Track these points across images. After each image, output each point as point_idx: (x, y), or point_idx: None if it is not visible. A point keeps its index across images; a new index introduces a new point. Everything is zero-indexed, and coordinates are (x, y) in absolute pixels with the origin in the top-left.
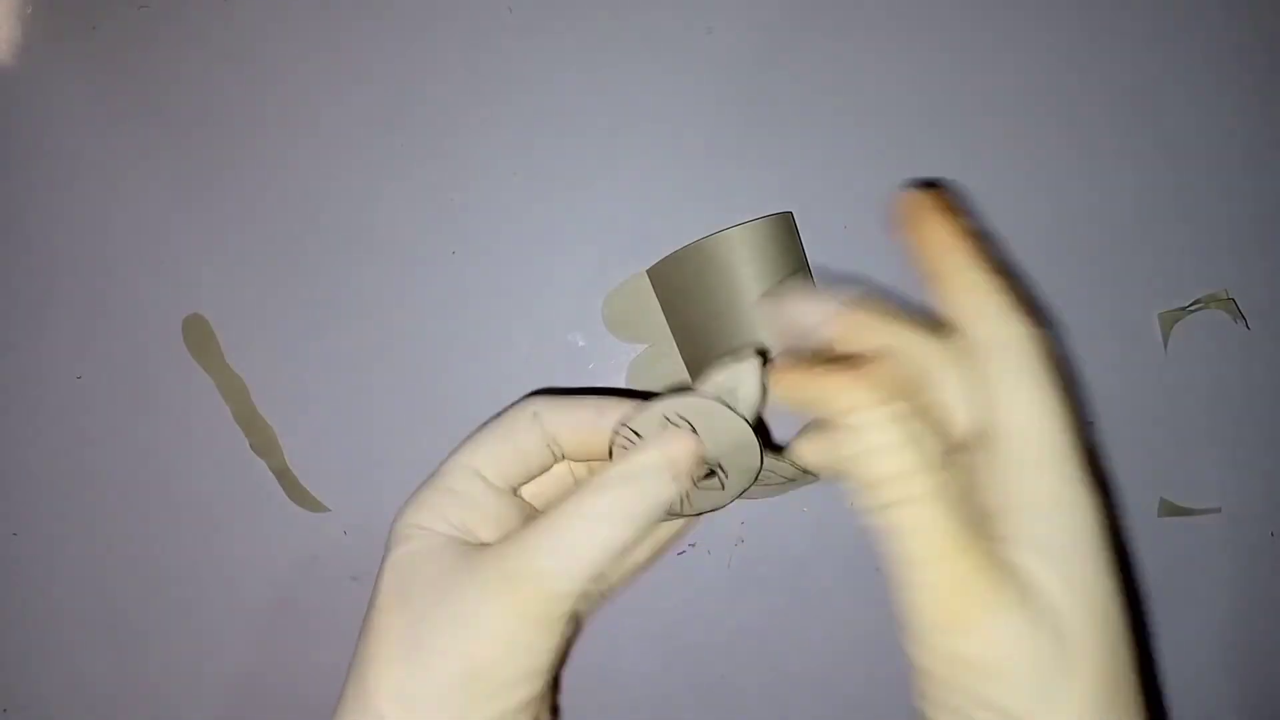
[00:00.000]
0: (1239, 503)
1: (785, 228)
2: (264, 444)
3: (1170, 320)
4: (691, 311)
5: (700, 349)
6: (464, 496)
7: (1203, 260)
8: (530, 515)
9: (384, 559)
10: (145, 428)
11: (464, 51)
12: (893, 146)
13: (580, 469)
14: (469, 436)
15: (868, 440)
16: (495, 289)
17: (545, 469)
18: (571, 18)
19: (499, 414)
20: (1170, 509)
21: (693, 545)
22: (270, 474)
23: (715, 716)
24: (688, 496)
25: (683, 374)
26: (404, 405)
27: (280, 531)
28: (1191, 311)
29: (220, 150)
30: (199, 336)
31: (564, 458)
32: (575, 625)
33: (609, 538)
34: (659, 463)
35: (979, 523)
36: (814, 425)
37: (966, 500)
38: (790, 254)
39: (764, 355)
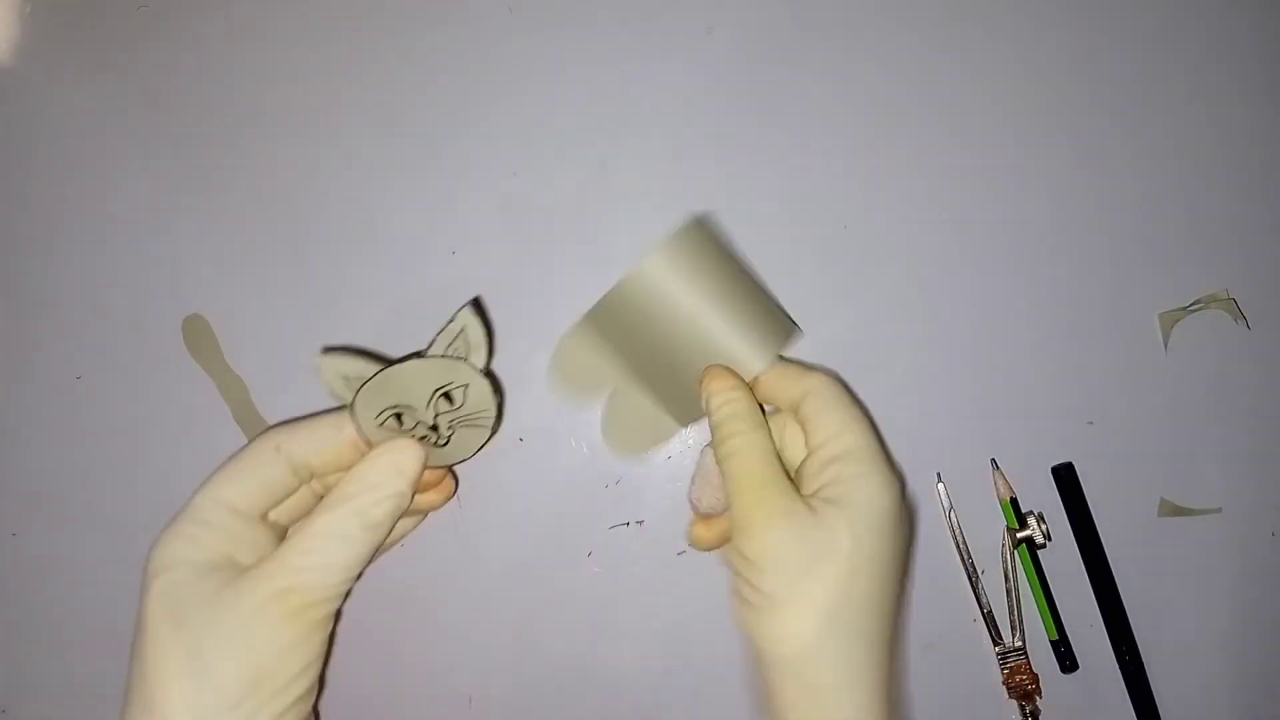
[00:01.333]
0: (1239, 503)
1: (704, 234)
2: None
3: (1170, 320)
4: (646, 345)
5: (668, 378)
6: (217, 527)
7: (1203, 260)
8: (281, 534)
9: (144, 592)
10: (145, 428)
11: (464, 51)
12: (892, 146)
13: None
14: (215, 470)
15: (726, 397)
16: (495, 289)
17: (291, 493)
18: (571, 18)
19: (241, 448)
20: (1170, 509)
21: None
22: None
23: (714, 716)
24: (440, 453)
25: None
26: None
27: None
28: (1191, 311)
29: (220, 150)
30: (199, 336)
31: (312, 478)
32: (336, 618)
33: (356, 549)
34: (385, 474)
35: (787, 477)
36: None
37: (779, 459)
38: (721, 255)
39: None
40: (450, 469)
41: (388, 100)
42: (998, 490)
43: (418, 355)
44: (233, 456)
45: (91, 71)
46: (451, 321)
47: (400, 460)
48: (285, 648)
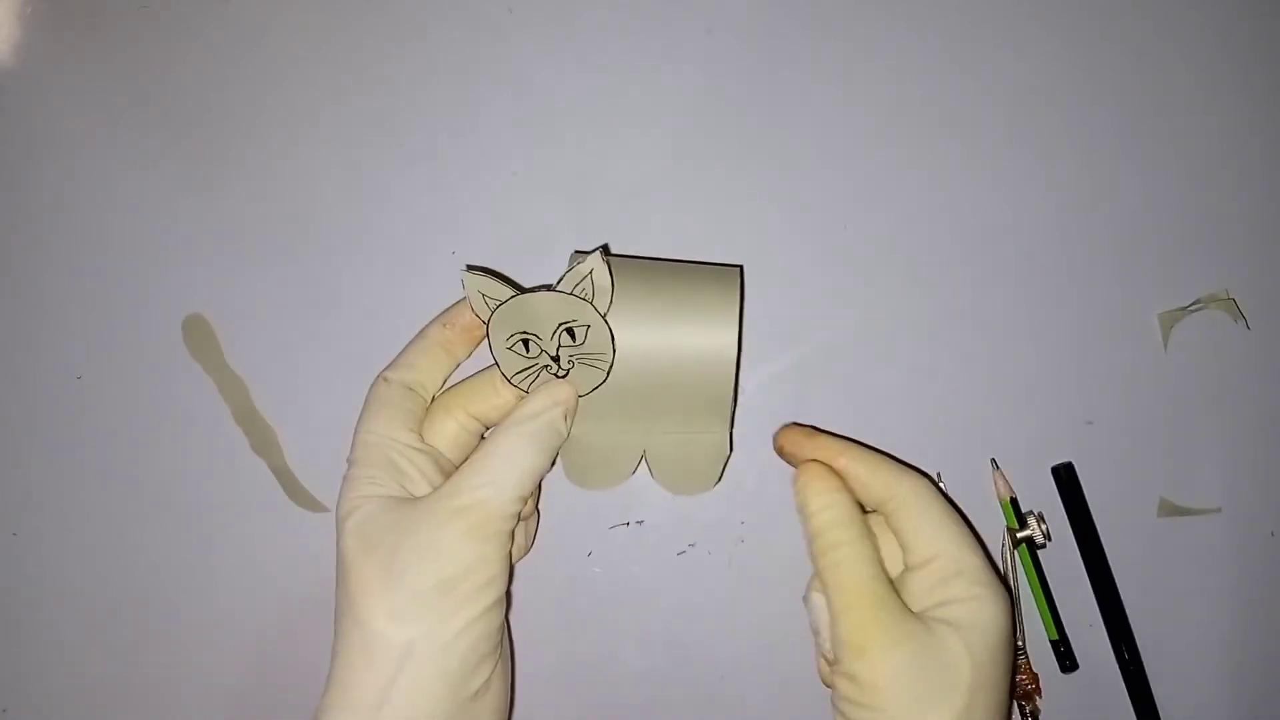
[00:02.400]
0: (1239, 503)
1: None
2: (264, 444)
3: (1170, 320)
4: (634, 399)
5: (666, 408)
6: (390, 465)
7: (1203, 260)
8: (445, 462)
9: (340, 534)
10: (145, 428)
11: (464, 51)
12: (892, 146)
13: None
14: (367, 410)
15: (825, 501)
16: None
17: (471, 446)
18: (571, 18)
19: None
20: (1170, 509)
21: (693, 545)
22: (270, 474)
23: (715, 716)
24: (535, 383)
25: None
26: None
27: (280, 531)
28: (1191, 311)
29: (220, 150)
30: (199, 336)
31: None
32: (513, 539)
33: (527, 464)
34: (544, 403)
35: (896, 593)
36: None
37: (887, 576)
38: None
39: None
40: None
41: (388, 100)
42: (998, 490)
43: (548, 288)
44: (373, 404)
45: (92, 71)
46: (580, 264)
47: (554, 392)
48: (469, 561)
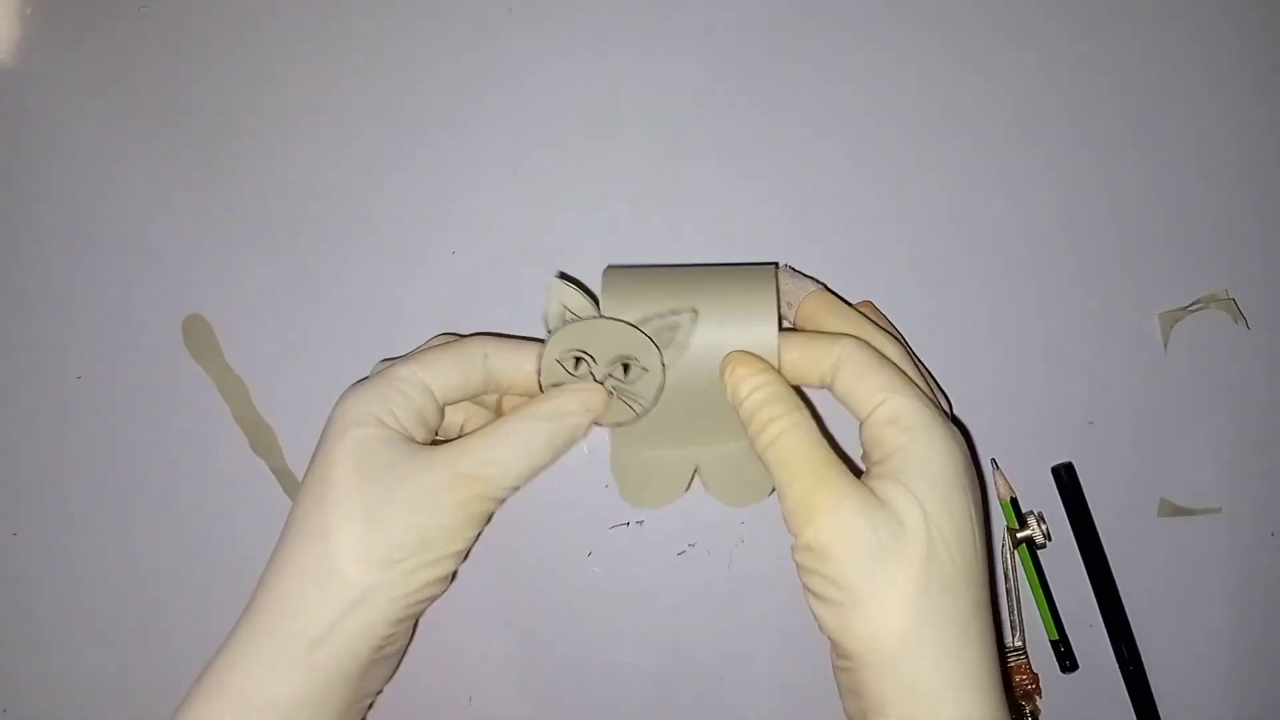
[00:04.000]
0: (1239, 503)
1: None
2: (264, 444)
3: (1170, 320)
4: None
5: (704, 415)
6: (414, 402)
7: (1203, 260)
8: (448, 431)
9: (333, 438)
10: (145, 428)
11: (464, 51)
12: (893, 146)
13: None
14: (420, 352)
15: (752, 383)
16: (495, 289)
17: (475, 397)
18: (571, 17)
19: (443, 341)
20: (1170, 509)
21: (693, 545)
22: (270, 474)
23: (715, 716)
24: (606, 413)
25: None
26: None
27: (280, 531)
28: (1191, 311)
29: (220, 150)
30: (199, 336)
31: (495, 391)
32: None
33: (538, 457)
34: (577, 407)
35: (837, 457)
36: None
37: (825, 442)
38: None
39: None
40: None
41: (388, 100)
42: (998, 490)
43: (630, 323)
44: (441, 347)
45: (92, 72)
46: (672, 314)
47: (590, 399)
48: (450, 528)
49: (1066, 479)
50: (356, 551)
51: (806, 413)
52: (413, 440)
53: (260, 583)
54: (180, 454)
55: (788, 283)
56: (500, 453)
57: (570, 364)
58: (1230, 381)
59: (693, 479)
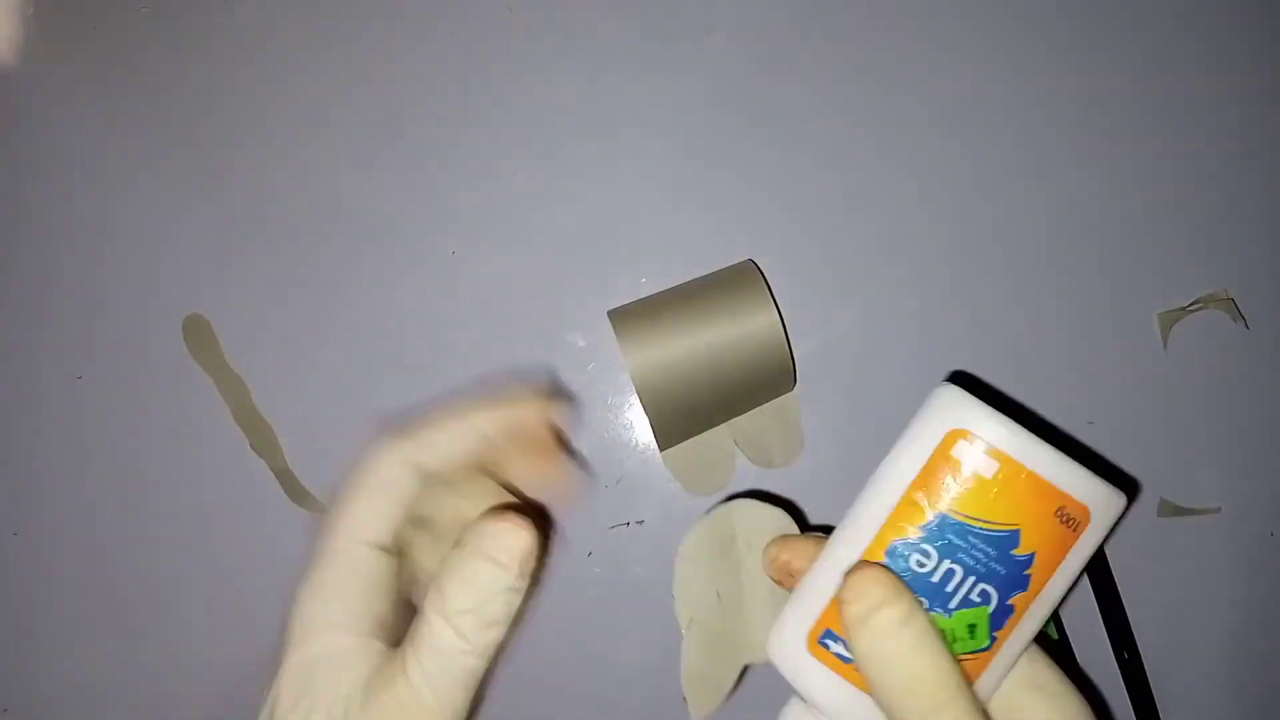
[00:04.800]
0: (1239, 503)
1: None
2: (264, 444)
3: (1170, 320)
4: (708, 401)
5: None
6: (362, 576)
7: (1203, 260)
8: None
9: (286, 651)
10: (145, 428)
11: (464, 51)
12: (893, 146)
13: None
14: (341, 500)
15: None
16: (495, 289)
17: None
18: (571, 18)
19: (361, 474)
20: (1170, 509)
21: None
22: (270, 474)
23: (715, 717)
24: None
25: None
26: (404, 405)
27: (280, 531)
28: (1191, 311)
29: (220, 150)
30: (199, 336)
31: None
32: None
33: (478, 666)
34: (497, 577)
35: None
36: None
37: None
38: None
39: None
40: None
41: (388, 100)
42: None
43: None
44: (363, 484)
45: (92, 72)
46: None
47: (511, 545)
48: None
49: None
50: None
51: (926, 622)
52: (368, 638)
53: None
54: (180, 454)
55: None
56: (434, 685)
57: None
58: (1230, 381)
59: (738, 454)
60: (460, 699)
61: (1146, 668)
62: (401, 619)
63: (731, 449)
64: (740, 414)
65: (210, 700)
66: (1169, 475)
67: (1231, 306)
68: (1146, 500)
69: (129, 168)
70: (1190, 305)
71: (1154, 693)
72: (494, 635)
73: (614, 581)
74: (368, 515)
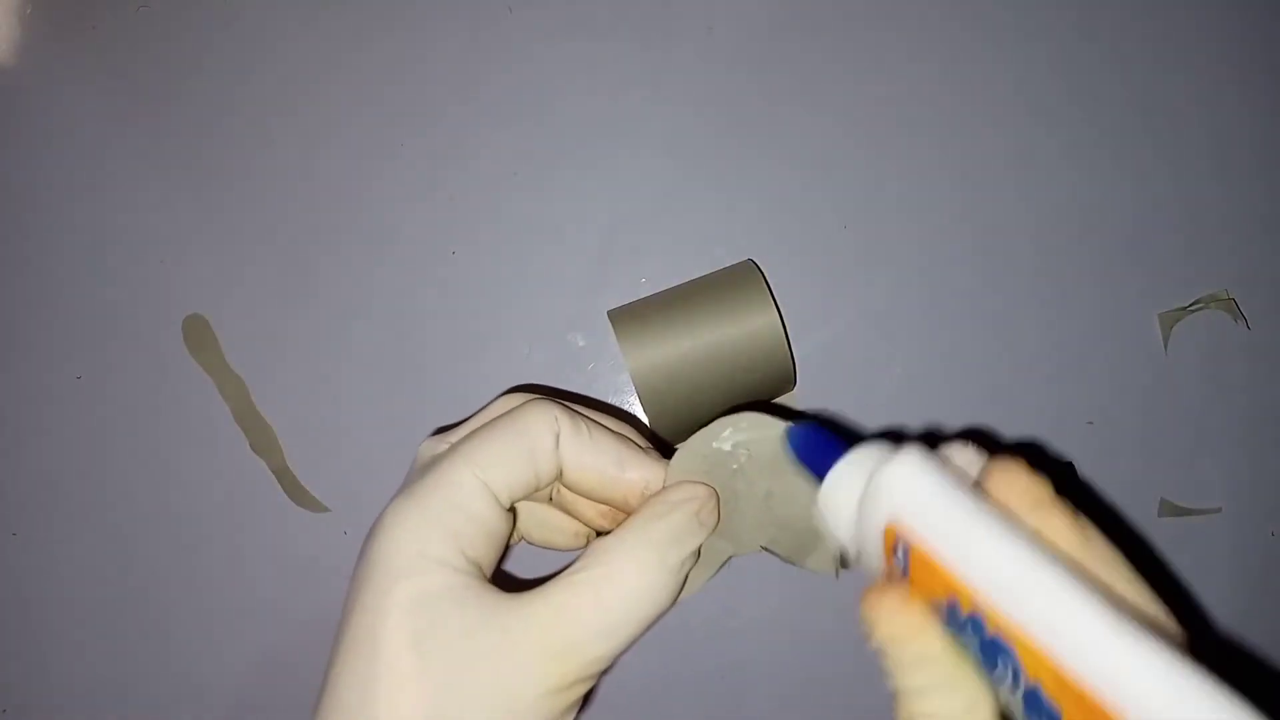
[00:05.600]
0: (1239, 503)
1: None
2: (264, 444)
3: (1170, 320)
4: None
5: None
6: (481, 521)
7: (1203, 260)
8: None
9: (381, 588)
10: (145, 428)
11: (464, 52)
12: (893, 146)
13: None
14: (474, 435)
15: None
16: (496, 289)
17: (541, 490)
18: (571, 17)
19: (509, 420)
20: (1170, 509)
21: None
22: (270, 474)
23: (716, 715)
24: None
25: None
26: (404, 405)
27: (280, 531)
28: (1191, 311)
29: (220, 150)
30: (199, 336)
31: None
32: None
33: (646, 616)
34: (693, 525)
35: None
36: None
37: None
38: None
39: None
40: None
41: (388, 100)
42: None
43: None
44: (500, 430)
45: (92, 72)
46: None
47: (704, 509)
48: (544, 716)
49: (1066, 479)
50: None
51: (971, 689)
52: (484, 582)
53: None
54: (180, 454)
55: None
56: (599, 615)
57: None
58: (1230, 381)
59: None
60: (625, 643)
61: None
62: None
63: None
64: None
65: (209, 699)
66: (1169, 475)
67: (1231, 306)
68: (1146, 500)
69: (129, 167)
70: (1190, 305)
71: None
72: (672, 589)
73: None
74: (501, 459)
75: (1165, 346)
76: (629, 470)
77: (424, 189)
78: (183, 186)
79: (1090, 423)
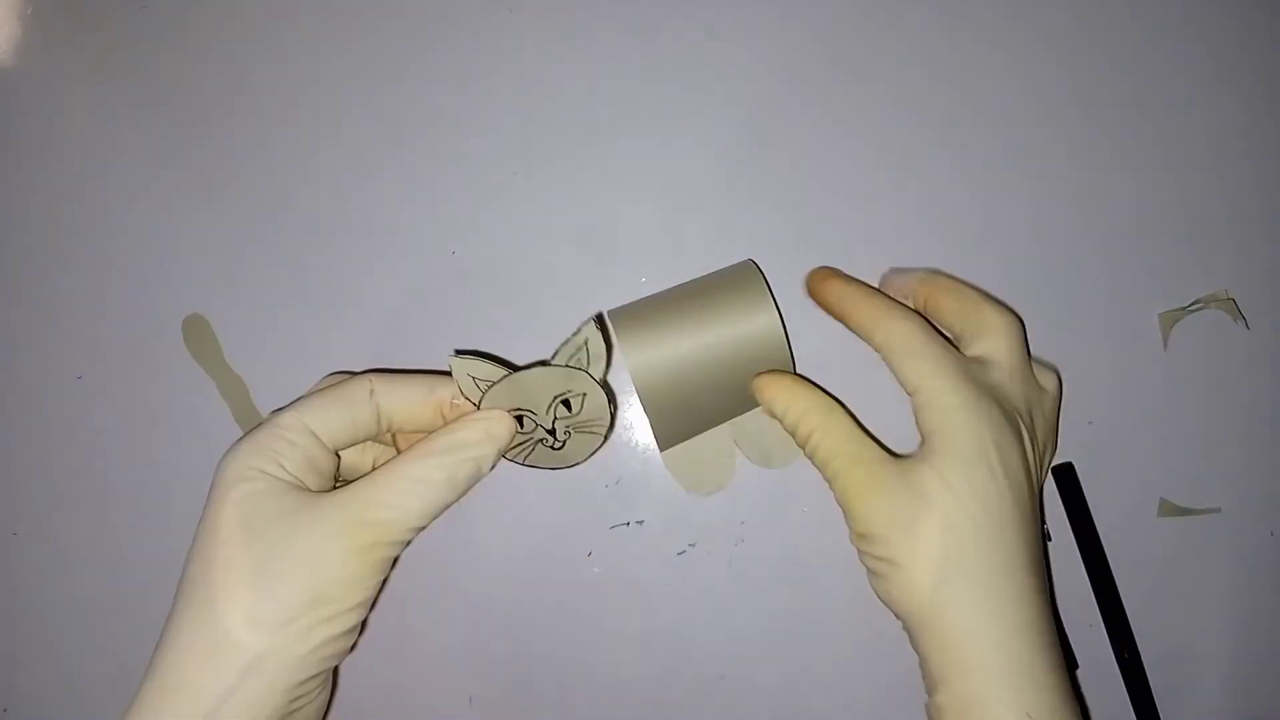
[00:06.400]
0: (1239, 503)
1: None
2: None
3: (1170, 320)
4: (708, 399)
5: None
6: (300, 449)
7: (1203, 260)
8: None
9: (218, 498)
10: (145, 428)
11: (464, 52)
12: (892, 146)
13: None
14: (305, 397)
15: (786, 418)
16: (495, 289)
17: (368, 438)
18: (571, 18)
19: (333, 381)
20: (1170, 509)
21: (693, 545)
22: None
23: (715, 716)
24: (554, 456)
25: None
26: None
27: None
28: (1191, 311)
29: (220, 150)
30: (199, 336)
31: (389, 430)
32: (393, 565)
33: (437, 498)
34: (477, 437)
35: (874, 444)
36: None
37: (861, 432)
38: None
39: (600, 318)
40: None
41: (388, 100)
42: None
43: (542, 364)
44: (325, 389)
45: (92, 72)
46: (576, 334)
47: (494, 428)
48: (346, 579)
49: (1066, 479)
50: (244, 614)
51: (839, 412)
52: (304, 489)
53: (151, 658)
54: (181, 454)
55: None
56: (394, 495)
57: (516, 425)
58: (1230, 381)
59: (738, 454)
60: (415, 522)
61: (1146, 668)
62: None
63: (731, 449)
64: (740, 414)
65: None
66: (1169, 475)
67: (1231, 306)
68: (1146, 500)
69: (129, 167)
70: (1190, 305)
71: (1154, 693)
72: (449, 493)
73: (614, 581)
74: (318, 405)
75: (1165, 346)
76: (439, 389)
77: (423, 189)
78: (183, 186)
79: (1090, 423)
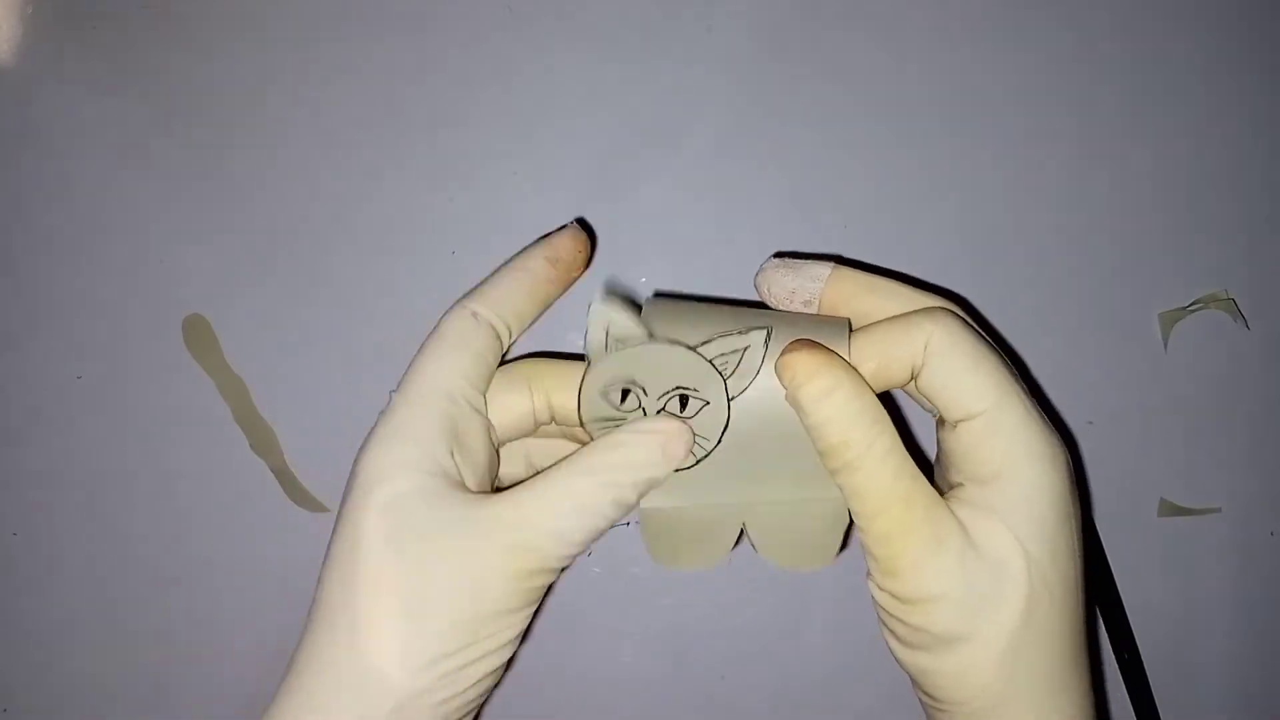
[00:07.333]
0: (1239, 503)
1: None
2: (264, 444)
3: (1170, 320)
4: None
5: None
6: (450, 427)
7: (1203, 260)
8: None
9: (358, 502)
10: (145, 428)
11: (463, 51)
12: (892, 145)
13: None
14: (439, 345)
15: (819, 414)
16: None
17: (526, 434)
18: (571, 17)
19: (428, 339)
20: (1170, 509)
21: None
22: (270, 474)
23: (715, 716)
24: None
25: None
26: None
27: (280, 531)
28: (1191, 311)
29: (221, 150)
30: (199, 336)
31: (551, 421)
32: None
33: (601, 525)
34: (654, 457)
35: (926, 481)
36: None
37: (911, 461)
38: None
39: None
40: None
41: (388, 100)
42: None
43: (686, 346)
44: (431, 343)
45: (92, 71)
46: (740, 334)
47: (671, 443)
48: (510, 607)
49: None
50: (395, 650)
51: (891, 429)
52: (454, 484)
53: (286, 673)
54: (180, 454)
55: (789, 276)
56: (561, 522)
57: (617, 398)
58: (1230, 381)
59: (740, 537)
60: (577, 546)
61: (1146, 668)
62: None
63: (734, 529)
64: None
65: (210, 699)
66: (1169, 475)
67: (1231, 306)
68: (1146, 500)
69: (129, 167)
70: (1190, 305)
71: (1154, 693)
72: (616, 517)
73: (614, 581)
74: (438, 365)
75: (1165, 346)
76: (528, 259)
77: (424, 189)
78: (183, 185)
79: (1090, 423)
